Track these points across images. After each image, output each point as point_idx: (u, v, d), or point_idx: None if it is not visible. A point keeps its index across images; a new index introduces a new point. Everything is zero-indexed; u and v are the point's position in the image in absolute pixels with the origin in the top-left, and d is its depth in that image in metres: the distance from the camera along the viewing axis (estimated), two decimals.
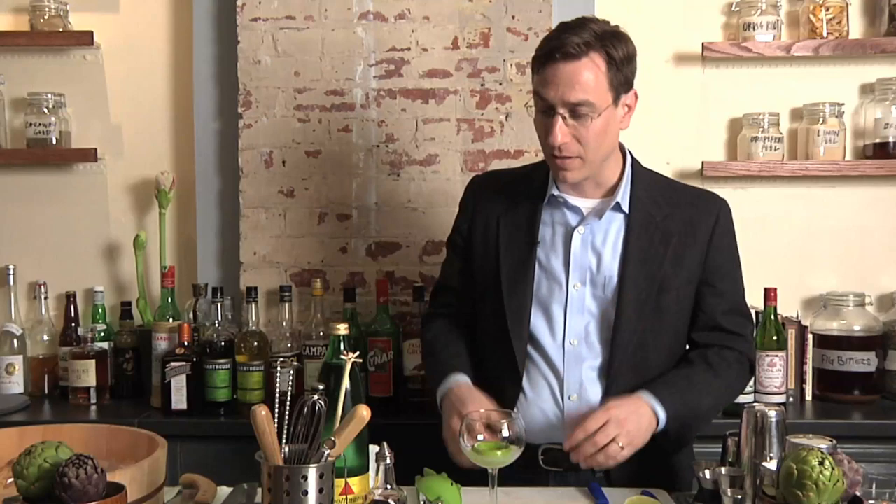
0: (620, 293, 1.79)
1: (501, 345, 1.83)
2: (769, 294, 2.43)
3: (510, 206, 1.90)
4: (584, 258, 1.82)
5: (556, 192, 1.85)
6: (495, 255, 1.87)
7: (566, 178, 1.79)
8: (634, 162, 1.90)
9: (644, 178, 1.89)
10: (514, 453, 1.49)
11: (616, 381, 1.79)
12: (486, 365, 1.89)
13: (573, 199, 1.85)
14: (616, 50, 1.74)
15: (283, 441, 1.29)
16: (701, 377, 1.80)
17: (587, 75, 1.71)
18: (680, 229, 1.84)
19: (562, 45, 1.71)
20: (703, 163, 2.66)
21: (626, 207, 1.84)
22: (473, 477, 1.62)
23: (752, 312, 2.46)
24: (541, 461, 1.77)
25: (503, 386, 1.82)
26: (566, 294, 1.82)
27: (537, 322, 1.83)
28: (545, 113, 1.75)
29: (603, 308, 1.81)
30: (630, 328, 1.79)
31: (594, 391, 1.80)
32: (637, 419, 1.68)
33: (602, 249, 1.82)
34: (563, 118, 1.72)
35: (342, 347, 1.44)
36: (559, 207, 1.86)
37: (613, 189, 1.85)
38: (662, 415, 1.71)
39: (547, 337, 1.82)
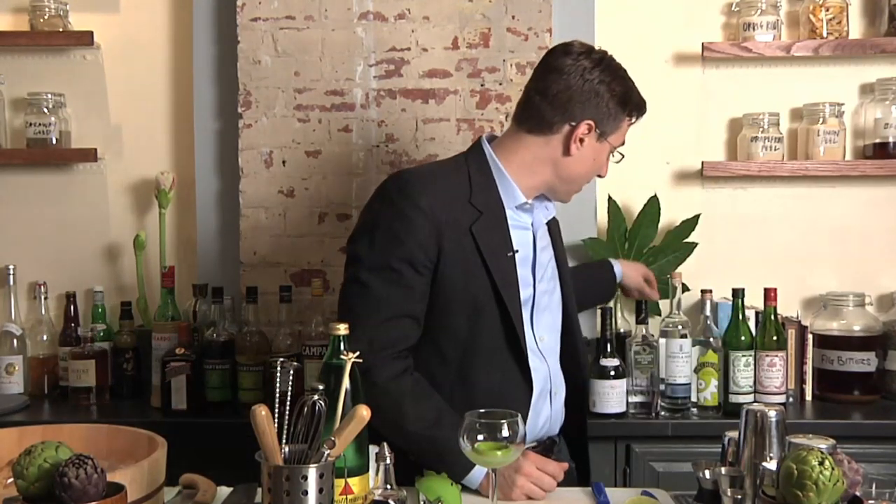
0: (562, 284, 1.96)
1: (508, 356, 1.80)
2: (769, 294, 2.43)
3: (477, 214, 1.79)
4: (543, 258, 1.91)
5: (525, 200, 1.86)
6: (483, 270, 1.76)
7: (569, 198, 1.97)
8: None
9: None
10: (515, 453, 1.49)
11: (567, 365, 1.94)
12: (489, 381, 1.79)
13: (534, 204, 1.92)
14: None
15: (283, 441, 1.29)
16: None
17: None
18: (553, 222, 2.02)
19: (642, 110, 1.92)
20: (703, 163, 2.66)
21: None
22: None
23: (753, 313, 2.49)
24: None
25: (512, 398, 1.76)
26: (533, 294, 1.86)
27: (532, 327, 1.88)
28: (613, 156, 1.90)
29: (553, 301, 1.92)
30: (570, 314, 1.96)
31: (562, 384, 1.92)
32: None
33: (548, 248, 1.95)
34: None
35: (342, 347, 1.44)
36: (517, 212, 1.87)
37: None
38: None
39: (530, 339, 1.85)
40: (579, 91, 1.79)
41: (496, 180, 1.83)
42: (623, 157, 1.92)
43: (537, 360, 1.84)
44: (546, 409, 1.86)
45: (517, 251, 1.82)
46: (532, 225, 1.89)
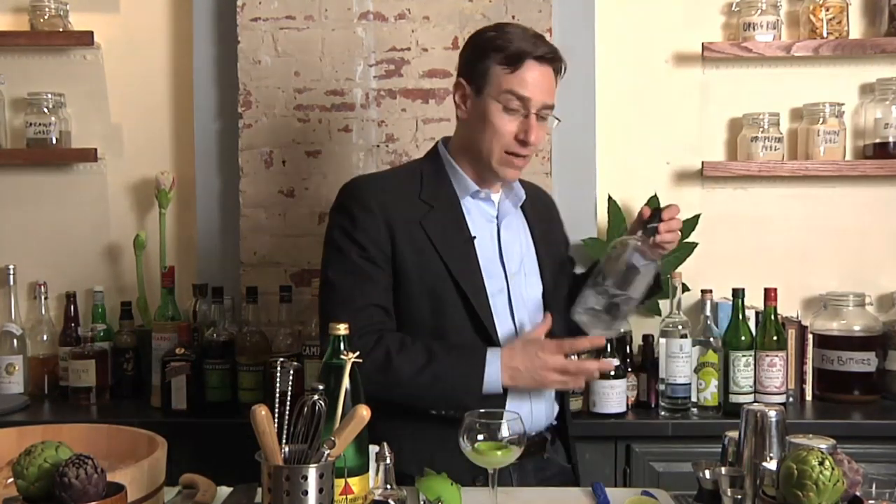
0: (542, 274, 1.93)
1: (477, 344, 1.81)
2: (769, 294, 2.43)
3: (424, 208, 1.84)
4: (512, 247, 1.91)
5: (478, 188, 1.88)
6: (437, 258, 1.80)
7: (514, 176, 1.88)
8: None
9: None
10: (515, 453, 1.49)
11: None
12: None
13: (492, 194, 1.91)
14: (565, 66, 1.87)
15: (283, 441, 1.29)
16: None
17: (554, 81, 1.84)
18: (544, 215, 2.04)
19: (546, 48, 1.80)
20: (703, 163, 2.66)
21: (523, 195, 1.95)
22: (472, 477, 1.62)
23: (753, 313, 2.50)
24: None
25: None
26: (507, 284, 1.86)
27: (497, 315, 1.85)
28: (515, 112, 1.80)
29: (533, 292, 1.91)
30: (553, 305, 1.91)
31: None
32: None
33: (521, 237, 1.93)
34: (536, 119, 1.80)
35: (342, 347, 1.44)
36: (476, 202, 1.90)
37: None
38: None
39: (502, 328, 1.84)
40: (460, 57, 1.89)
41: (449, 175, 1.90)
42: (558, 120, 1.87)
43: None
44: (525, 403, 1.81)
45: (475, 237, 1.85)
46: (498, 215, 1.91)
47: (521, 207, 1.96)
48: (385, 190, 1.86)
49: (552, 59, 1.81)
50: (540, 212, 2.03)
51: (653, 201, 2.64)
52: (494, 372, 1.73)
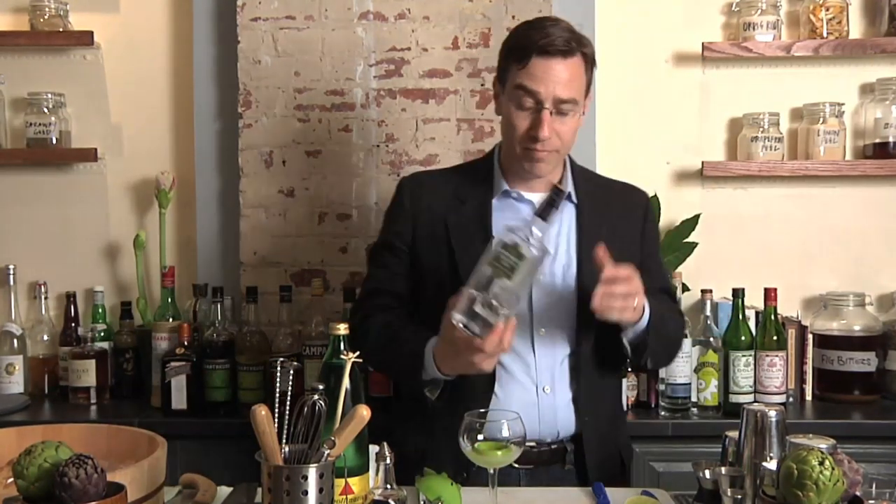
0: (580, 277, 1.84)
1: None
2: (769, 294, 2.43)
3: (455, 205, 1.89)
4: None
5: (507, 188, 1.87)
6: (449, 255, 1.84)
7: (540, 169, 1.83)
8: (570, 157, 1.96)
9: (582, 172, 1.98)
10: (515, 453, 1.49)
11: (584, 368, 1.84)
12: None
13: (526, 194, 1.88)
14: (591, 51, 1.82)
15: (283, 441, 1.29)
16: (667, 306, 1.91)
17: (574, 73, 1.78)
18: (619, 218, 1.93)
19: (553, 41, 1.75)
20: (703, 163, 2.66)
21: (574, 198, 1.90)
22: (473, 477, 1.62)
23: (753, 313, 2.49)
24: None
25: (474, 385, 1.79)
26: (530, 286, 1.81)
27: None
28: (527, 107, 1.78)
29: (566, 296, 1.85)
30: (590, 311, 1.79)
31: (565, 381, 1.84)
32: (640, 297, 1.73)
33: (559, 239, 1.87)
34: (550, 113, 1.77)
35: (342, 347, 1.44)
36: (510, 202, 1.88)
37: (559, 182, 1.89)
38: (647, 310, 1.76)
39: (516, 330, 1.79)
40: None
41: (492, 174, 1.90)
42: (548, 110, 1.77)
43: (521, 347, 1.80)
44: (533, 406, 1.79)
45: (493, 237, 1.79)
46: (527, 216, 1.84)
47: (579, 208, 1.89)
48: (423, 185, 1.95)
49: (564, 51, 1.75)
50: (616, 214, 1.93)
51: (653, 202, 2.64)
52: (430, 364, 1.71)
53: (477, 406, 1.63)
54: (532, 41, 1.76)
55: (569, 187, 1.89)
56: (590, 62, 1.82)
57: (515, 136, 1.81)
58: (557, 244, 1.87)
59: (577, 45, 1.77)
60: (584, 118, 1.88)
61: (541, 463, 1.80)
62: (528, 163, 1.82)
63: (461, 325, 1.55)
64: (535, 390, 1.81)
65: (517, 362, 1.82)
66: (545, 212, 1.60)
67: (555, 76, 1.75)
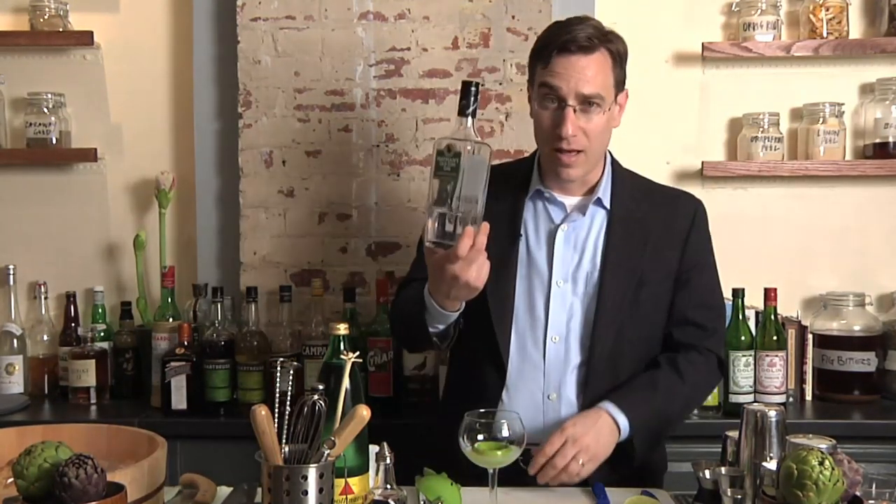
0: (601, 286, 1.81)
1: (485, 339, 1.82)
2: (769, 294, 2.44)
3: (491, 201, 1.82)
4: (567, 254, 1.84)
5: (541, 188, 1.87)
6: None
7: (569, 174, 1.81)
8: (615, 161, 1.94)
9: (624, 177, 1.93)
10: (515, 453, 1.49)
11: (593, 378, 1.80)
12: (470, 361, 1.88)
13: (558, 196, 1.87)
14: (618, 46, 1.80)
15: (283, 441, 1.29)
16: (667, 382, 1.81)
17: (599, 69, 1.76)
18: (658, 226, 1.87)
19: (574, 37, 1.74)
20: (703, 163, 2.66)
21: (607, 203, 1.87)
22: (473, 477, 1.62)
23: (753, 313, 2.49)
24: (519, 462, 1.72)
25: (486, 382, 1.82)
26: (548, 290, 1.83)
27: (520, 317, 1.83)
28: (551, 105, 1.77)
29: (585, 304, 1.82)
30: (609, 322, 1.80)
31: (572, 390, 1.81)
32: (596, 433, 1.69)
33: (585, 245, 1.85)
34: (574, 111, 1.75)
35: (342, 347, 1.44)
36: (543, 203, 1.88)
37: (595, 186, 1.88)
38: (625, 423, 1.73)
39: (529, 333, 1.82)
40: None
41: (532, 173, 1.90)
42: (571, 107, 1.75)
43: (532, 352, 1.81)
44: (538, 412, 1.79)
45: (521, 235, 1.84)
46: (565, 219, 1.85)
47: (612, 214, 1.85)
48: None
49: (585, 47, 1.74)
50: (656, 222, 1.87)
51: None
52: (429, 302, 1.73)
53: (488, 405, 1.64)
54: (553, 40, 1.76)
55: (601, 192, 1.86)
56: (617, 58, 1.80)
57: (542, 136, 1.81)
58: (584, 249, 1.84)
59: (601, 41, 1.76)
60: (620, 116, 1.86)
61: None
62: (556, 165, 1.81)
63: (435, 246, 1.57)
64: (541, 397, 1.81)
65: (527, 368, 1.82)
66: (460, 105, 1.59)
67: (576, 72, 1.74)
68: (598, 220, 1.87)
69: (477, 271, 1.62)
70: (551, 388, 1.81)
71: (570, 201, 1.88)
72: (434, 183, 1.55)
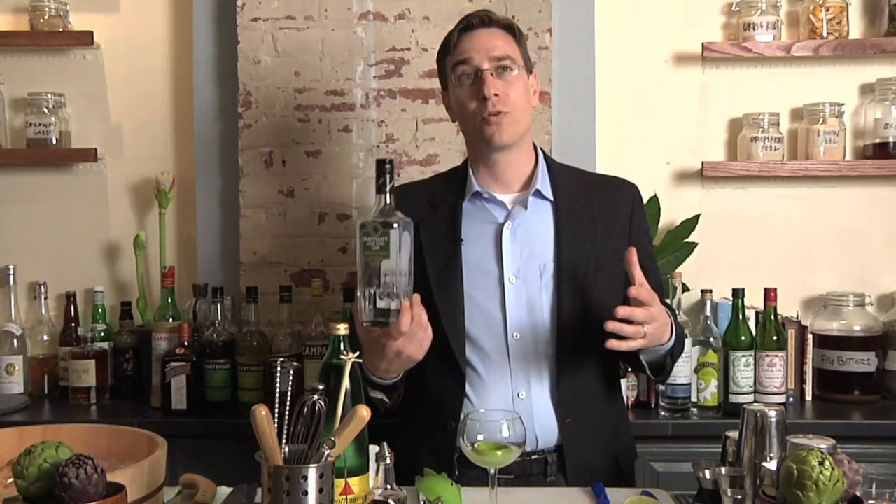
0: (559, 276, 1.81)
1: (441, 348, 1.76)
2: (769, 294, 2.44)
3: (430, 210, 1.88)
4: (515, 251, 1.83)
5: (478, 189, 1.86)
6: (419, 259, 1.76)
7: (500, 138, 1.81)
8: (546, 154, 1.95)
9: (559, 168, 1.95)
10: (515, 453, 1.49)
11: (563, 368, 1.79)
12: (428, 373, 1.80)
13: (497, 194, 1.87)
14: (515, 26, 1.89)
15: (283, 441, 1.29)
16: (679, 329, 1.85)
17: (502, 38, 1.85)
18: (604, 212, 1.88)
19: (470, 19, 1.86)
20: (703, 163, 2.66)
21: (549, 195, 1.87)
22: (473, 477, 1.62)
23: (753, 313, 2.50)
24: None
25: (447, 391, 1.80)
26: (502, 289, 1.81)
27: (474, 320, 1.81)
28: (468, 81, 1.82)
29: (543, 297, 1.81)
30: (571, 311, 1.80)
31: (544, 386, 1.79)
32: (662, 328, 1.70)
33: (534, 239, 1.84)
34: (490, 73, 1.81)
35: (342, 347, 1.44)
36: (482, 204, 1.87)
37: (530, 179, 1.89)
38: (673, 335, 1.77)
39: (486, 335, 1.80)
40: None
41: (467, 177, 1.90)
42: (487, 70, 1.81)
43: (493, 353, 1.79)
44: (505, 413, 1.75)
45: (462, 240, 1.83)
46: (507, 216, 1.84)
47: (557, 206, 1.85)
48: (405, 192, 1.85)
49: (483, 22, 1.84)
50: (600, 210, 1.87)
51: (653, 202, 2.64)
52: (368, 374, 1.71)
53: (450, 411, 1.64)
54: (453, 31, 1.87)
55: (539, 184, 1.86)
56: (518, 34, 1.88)
57: (468, 111, 1.83)
58: (533, 242, 1.84)
59: (496, 20, 1.86)
60: (536, 98, 1.91)
61: (521, 474, 1.74)
62: (488, 129, 1.80)
63: (372, 325, 1.57)
64: (511, 396, 1.78)
65: (492, 367, 1.79)
66: (377, 184, 1.60)
67: (483, 41, 1.82)
68: (543, 212, 1.86)
69: (419, 344, 1.63)
70: (520, 385, 1.79)
71: (509, 198, 1.87)
72: (363, 263, 1.55)
